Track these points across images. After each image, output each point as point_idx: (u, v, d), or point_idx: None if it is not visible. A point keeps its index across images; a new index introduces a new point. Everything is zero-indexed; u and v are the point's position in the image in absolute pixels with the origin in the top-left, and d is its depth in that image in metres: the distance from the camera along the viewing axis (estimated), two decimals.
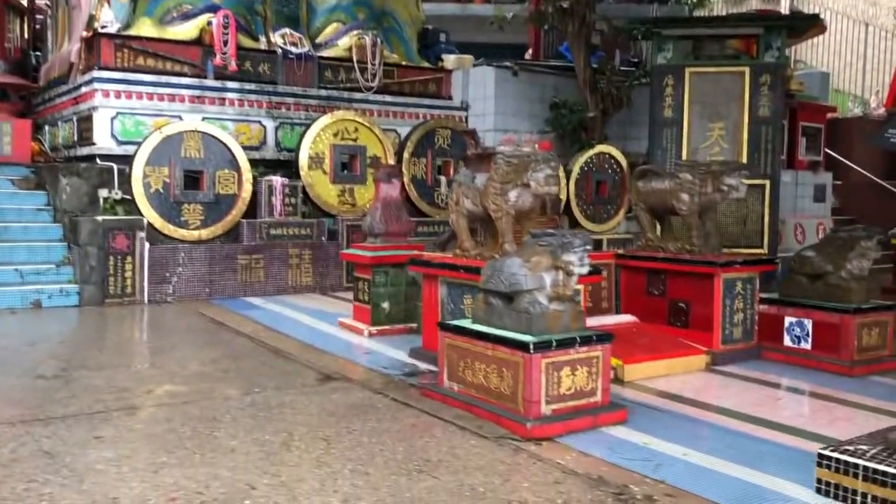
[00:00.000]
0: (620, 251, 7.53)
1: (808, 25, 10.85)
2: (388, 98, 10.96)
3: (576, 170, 10.95)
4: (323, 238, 9.24)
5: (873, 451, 2.35)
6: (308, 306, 8.20)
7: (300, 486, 3.36)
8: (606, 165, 11.25)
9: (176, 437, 3.97)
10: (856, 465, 2.24)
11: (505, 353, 4.38)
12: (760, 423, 4.54)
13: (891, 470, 2.16)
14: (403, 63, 11.50)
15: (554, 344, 4.30)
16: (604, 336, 4.54)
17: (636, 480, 3.59)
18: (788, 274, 6.45)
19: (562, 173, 10.77)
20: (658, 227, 6.81)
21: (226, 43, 9.79)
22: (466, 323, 4.81)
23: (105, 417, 4.29)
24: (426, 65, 11.97)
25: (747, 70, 9.83)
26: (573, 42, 10.96)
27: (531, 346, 4.21)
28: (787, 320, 6.19)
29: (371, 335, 6.80)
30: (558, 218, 6.78)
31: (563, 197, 10.79)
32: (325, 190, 9.59)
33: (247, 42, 10.24)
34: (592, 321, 6.31)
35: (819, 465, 2.40)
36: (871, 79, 19.32)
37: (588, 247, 4.44)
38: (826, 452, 2.37)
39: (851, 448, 2.37)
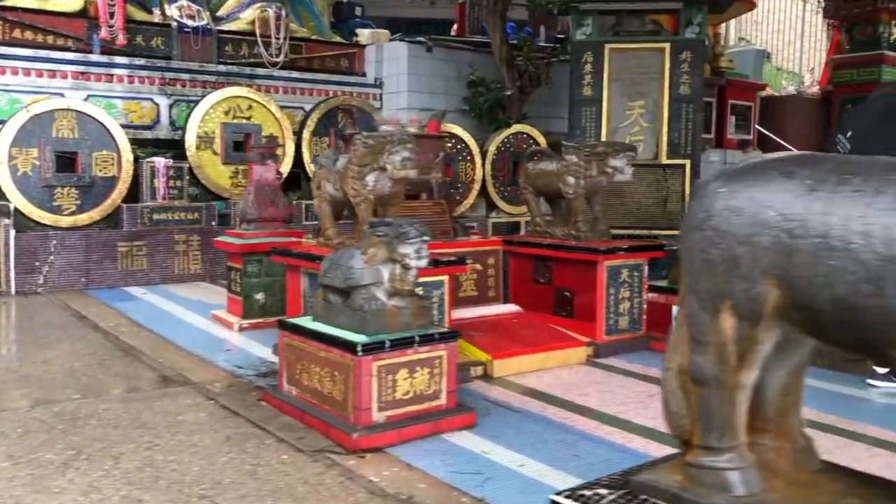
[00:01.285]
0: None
1: (731, 0, 10.53)
2: (294, 74, 10.40)
3: (492, 150, 10.56)
4: (213, 223, 8.70)
5: (613, 496, 1.99)
6: (189, 297, 7.69)
7: None
8: (525, 146, 10.86)
9: None
10: None
11: (336, 356, 3.97)
12: (619, 425, 4.20)
13: None
14: (313, 37, 10.94)
15: (388, 344, 3.90)
16: (448, 334, 4.15)
17: (452, 500, 3.20)
18: (678, 260, 6.11)
19: (477, 153, 10.37)
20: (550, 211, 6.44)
21: (112, 15, 9.17)
22: (304, 321, 4.38)
23: None
24: (338, 39, 11.41)
25: (667, 47, 9.47)
26: (489, 17, 10.51)
27: (359, 348, 3.81)
28: (675, 309, 5.85)
29: (241, 329, 6.34)
30: (445, 203, 6.31)
31: (479, 178, 10.42)
32: (216, 171, 9.03)
33: (139, 14, 9.63)
34: (473, 312, 5.95)
35: None
36: (809, 57, 19.20)
37: (426, 237, 4.03)
38: (558, 499, 2.02)
39: (588, 493, 2.02)
